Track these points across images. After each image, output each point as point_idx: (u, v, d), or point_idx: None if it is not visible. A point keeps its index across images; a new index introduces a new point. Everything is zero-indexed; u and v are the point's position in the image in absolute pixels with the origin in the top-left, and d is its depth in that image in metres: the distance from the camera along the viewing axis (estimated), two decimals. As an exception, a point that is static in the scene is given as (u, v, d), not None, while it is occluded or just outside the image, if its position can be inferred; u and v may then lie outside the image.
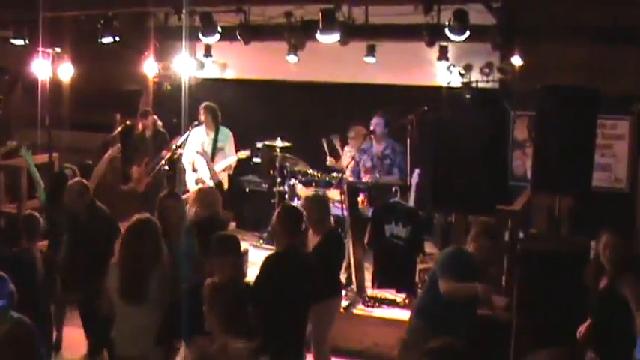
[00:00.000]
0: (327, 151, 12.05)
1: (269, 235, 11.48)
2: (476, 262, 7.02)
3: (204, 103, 11.52)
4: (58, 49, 11.38)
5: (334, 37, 10.55)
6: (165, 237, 7.39)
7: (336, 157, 11.99)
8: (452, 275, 6.89)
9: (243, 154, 11.59)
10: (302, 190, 11.73)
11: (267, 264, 6.88)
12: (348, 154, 11.57)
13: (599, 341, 6.71)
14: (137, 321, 6.52)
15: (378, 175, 10.83)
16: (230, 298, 5.51)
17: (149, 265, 6.48)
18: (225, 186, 11.36)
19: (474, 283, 6.85)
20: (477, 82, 12.31)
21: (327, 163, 11.97)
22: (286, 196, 12.01)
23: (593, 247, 8.87)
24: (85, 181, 8.59)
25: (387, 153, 10.92)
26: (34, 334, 5.70)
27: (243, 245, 10.67)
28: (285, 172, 12.24)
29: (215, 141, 11.51)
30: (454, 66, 12.54)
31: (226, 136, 11.56)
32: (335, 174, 11.41)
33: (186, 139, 11.38)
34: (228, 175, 11.73)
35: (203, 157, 10.72)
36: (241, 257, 6.81)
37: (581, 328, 6.92)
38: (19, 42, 12.29)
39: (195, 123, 11.39)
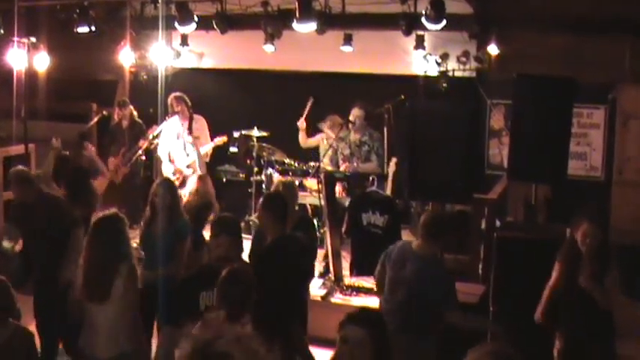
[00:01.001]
0: (305, 112, 11.95)
1: (247, 225, 11.46)
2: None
3: (176, 94, 11.50)
4: (33, 39, 11.19)
5: (311, 26, 10.45)
6: (152, 224, 7.61)
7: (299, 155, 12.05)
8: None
9: (221, 139, 11.54)
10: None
11: (270, 251, 6.97)
12: (324, 141, 11.57)
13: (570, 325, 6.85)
14: (105, 321, 6.27)
15: (356, 164, 10.84)
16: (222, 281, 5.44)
17: (112, 263, 6.26)
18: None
19: None
20: (453, 71, 12.41)
21: (298, 123, 11.87)
22: (263, 186, 11.98)
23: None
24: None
25: (365, 139, 10.93)
26: (33, 342, 5.66)
27: None
28: (262, 161, 12.19)
29: (190, 130, 11.49)
30: (431, 55, 12.54)
31: (201, 124, 11.53)
32: (312, 163, 11.40)
33: (161, 131, 11.34)
34: (205, 163, 11.68)
35: (195, 145, 10.77)
36: (238, 238, 6.73)
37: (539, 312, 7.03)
38: (-6, 32, 12.16)
39: (169, 114, 11.42)
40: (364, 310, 5.24)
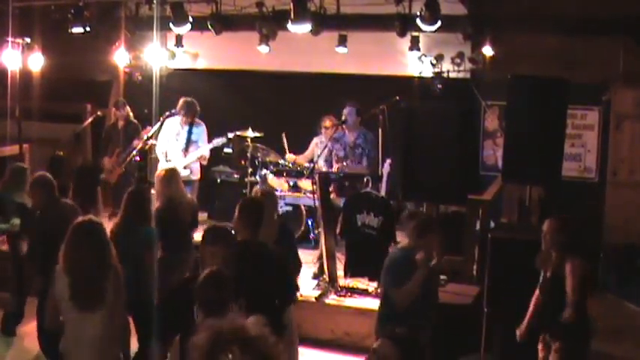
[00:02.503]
0: (285, 146, 12.17)
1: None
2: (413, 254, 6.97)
3: (186, 99, 11.33)
4: (27, 40, 11.25)
5: (306, 27, 10.48)
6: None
7: (296, 153, 12.12)
8: (396, 283, 6.91)
9: (220, 140, 11.54)
10: (273, 180, 11.75)
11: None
12: (319, 145, 11.58)
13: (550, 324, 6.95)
14: (93, 330, 6.03)
15: (345, 164, 10.85)
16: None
17: (102, 270, 6.07)
18: (199, 176, 11.53)
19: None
20: (448, 72, 12.42)
21: (286, 158, 12.00)
22: (258, 186, 11.89)
23: None
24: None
25: (359, 142, 10.91)
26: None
27: None
28: (256, 162, 12.18)
29: (189, 133, 11.41)
30: (425, 56, 12.55)
31: (201, 130, 11.49)
32: (307, 164, 11.40)
33: (159, 129, 11.30)
34: (201, 166, 11.64)
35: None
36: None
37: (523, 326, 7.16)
38: (-12, 32, 12.14)
39: (168, 113, 11.28)
40: (401, 333, 5.21)
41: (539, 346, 7.09)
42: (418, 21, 10.40)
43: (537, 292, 7.10)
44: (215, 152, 12.09)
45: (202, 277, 5.46)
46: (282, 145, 12.18)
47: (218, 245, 6.22)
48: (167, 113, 11.28)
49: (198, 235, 9.10)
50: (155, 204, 8.39)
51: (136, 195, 7.89)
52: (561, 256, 6.84)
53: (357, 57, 12.87)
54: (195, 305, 5.44)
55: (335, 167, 10.98)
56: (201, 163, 11.57)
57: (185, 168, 11.07)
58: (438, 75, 12.41)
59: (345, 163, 10.89)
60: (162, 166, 11.30)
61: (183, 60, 14.53)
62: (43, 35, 11.98)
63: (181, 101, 11.33)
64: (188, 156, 11.25)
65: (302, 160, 12.02)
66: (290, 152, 12.10)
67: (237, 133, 12.29)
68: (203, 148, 11.37)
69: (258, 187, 10.86)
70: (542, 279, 7.06)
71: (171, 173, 8.89)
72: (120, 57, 13.04)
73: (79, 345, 6.07)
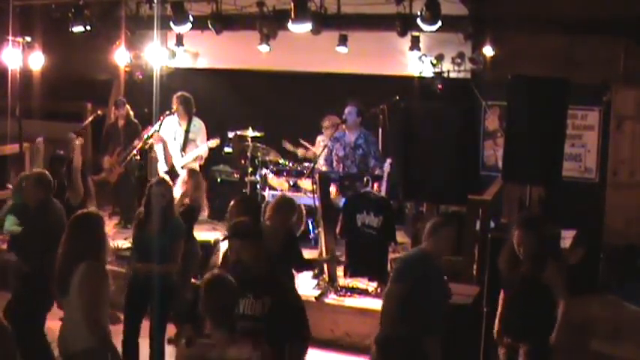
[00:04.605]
0: (291, 149, 12.31)
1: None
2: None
3: (178, 93, 11.38)
4: (28, 38, 11.23)
5: (306, 27, 10.44)
6: (147, 224, 7.60)
7: (303, 147, 12.26)
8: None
9: (214, 142, 11.53)
10: (273, 180, 11.72)
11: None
12: (321, 143, 11.63)
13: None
14: (69, 314, 6.29)
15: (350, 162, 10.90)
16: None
17: (71, 261, 6.17)
18: None
19: None
20: (448, 72, 12.40)
21: (299, 155, 12.10)
22: (258, 186, 11.99)
23: (564, 236, 9.03)
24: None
25: (360, 143, 10.88)
26: (9, 337, 5.61)
27: (214, 236, 10.74)
28: (256, 161, 12.19)
29: (187, 131, 11.42)
30: (426, 56, 12.54)
31: (198, 127, 11.48)
32: (307, 163, 11.39)
33: (159, 128, 11.26)
34: (200, 166, 11.58)
35: (162, 143, 11.05)
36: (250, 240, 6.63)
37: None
38: (-11, 31, 12.13)
39: (167, 112, 11.26)
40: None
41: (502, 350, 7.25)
42: (419, 21, 10.41)
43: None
44: (215, 151, 12.08)
45: (207, 284, 5.43)
46: (288, 151, 12.24)
47: (233, 239, 6.35)
48: (167, 112, 11.26)
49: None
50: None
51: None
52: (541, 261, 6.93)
53: (358, 57, 12.85)
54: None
55: (338, 167, 10.98)
56: (199, 163, 11.55)
57: (182, 168, 11.04)
58: (438, 75, 12.38)
59: (346, 164, 10.91)
60: (161, 166, 11.34)
61: (184, 59, 14.53)
62: (44, 34, 12.00)
63: (175, 97, 11.35)
64: (185, 156, 11.27)
65: (315, 154, 11.99)
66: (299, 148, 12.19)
67: (238, 132, 12.34)
68: (200, 148, 11.38)
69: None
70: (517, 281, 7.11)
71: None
72: (120, 56, 13.04)
73: (63, 326, 6.37)
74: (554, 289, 6.88)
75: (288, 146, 12.52)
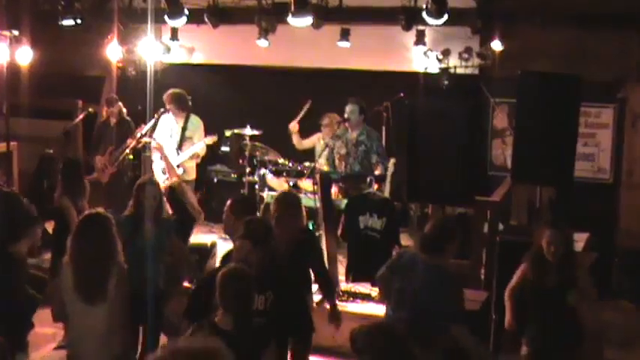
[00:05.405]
0: (301, 114, 11.99)
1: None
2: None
3: (169, 91, 11.36)
4: (16, 32, 11.16)
5: (307, 21, 10.36)
6: (138, 225, 7.51)
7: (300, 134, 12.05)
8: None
9: (211, 138, 11.41)
10: (272, 180, 11.60)
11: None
12: (321, 141, 11.57)
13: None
14: (97, 323, 6.24)
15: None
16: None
17: (106, 262, 6.27)
18: (194, 175, 11.50)
19: None
20: (455, 67, 12.22)
21: (290, 127, 11.88)
22: (256, 187, 11.87)
23: (576, 239, 8.82)
24: None
25: (362, 139, 10.80)
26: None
27: (211, 238, 10.62)
28: (255, 161, 12.06)
29: (184, 129, 11.34)
30: (431, 51, 12.35)
31: (196, 125, 11.44)
32: (307, 163, 11.20)
33: (153, 126, 11.23)
34: (197, 165, 11.58)
35: (159, 152, 10.91)
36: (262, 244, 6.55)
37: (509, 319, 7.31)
38: (-25, 25, 12.14)
39: (162, 110, 11.24)
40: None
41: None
42: (424, 14, 10.22)
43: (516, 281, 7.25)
44: (212, 151, 12.01)
45: (223, 275, 5.51)
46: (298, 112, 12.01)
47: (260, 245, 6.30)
48: (162, 110, 11.22)
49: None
50: None
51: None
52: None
53: (360, 52, 12.73)
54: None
55: (340, 166, 10.93)
56: (196, 162, 11.49)
57: (178, 167, 10.90)
58: (444, 71, 12.23)
59: (348, 162, 10.83)
60: (156, 165, 11.21)
61: (179, 54, 14.37)
62: (32, 28, 11.92)
63: (165, 97, 11.26)
64: (181, 154, 11.15)
65: (299, 143, 11.94)
66: (298, 123, 11.96)
67: (235, 130, 12.20)
68: (196, 146, 11.27)
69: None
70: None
71: None
72: (112, 51, 12.81)
73: (84, 338, 6.33)
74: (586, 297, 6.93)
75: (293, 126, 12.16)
